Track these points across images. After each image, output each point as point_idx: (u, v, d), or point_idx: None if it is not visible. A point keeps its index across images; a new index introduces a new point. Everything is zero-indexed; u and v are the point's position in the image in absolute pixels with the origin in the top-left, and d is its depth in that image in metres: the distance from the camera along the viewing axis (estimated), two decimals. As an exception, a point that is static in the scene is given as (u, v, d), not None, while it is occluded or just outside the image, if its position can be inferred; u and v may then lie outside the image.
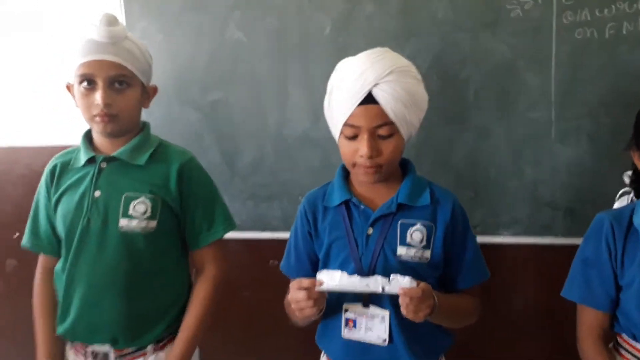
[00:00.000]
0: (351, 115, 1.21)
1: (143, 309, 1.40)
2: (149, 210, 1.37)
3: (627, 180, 1.35)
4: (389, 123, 1.21)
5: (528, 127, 1.80)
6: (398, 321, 1.24)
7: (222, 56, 1.98)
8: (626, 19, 1.69)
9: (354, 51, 1.83)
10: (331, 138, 1.92)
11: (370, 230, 1.28)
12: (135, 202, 1.36)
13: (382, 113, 1.20)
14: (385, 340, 1.26)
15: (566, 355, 1.81)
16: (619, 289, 1.22)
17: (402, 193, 1.28)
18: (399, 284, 1.14)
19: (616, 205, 1.37)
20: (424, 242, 1.26)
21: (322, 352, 1.44)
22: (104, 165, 1.40)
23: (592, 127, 1.76)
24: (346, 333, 1.29)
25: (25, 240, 1.50)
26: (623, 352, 1.24)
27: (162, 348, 1.44)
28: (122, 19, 2.03)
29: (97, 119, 1.34)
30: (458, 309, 1.29)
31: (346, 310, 1.28)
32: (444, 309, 1.19)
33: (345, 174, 1.37)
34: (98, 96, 1.32)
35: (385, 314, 1.25)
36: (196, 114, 2.03)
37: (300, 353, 2.17)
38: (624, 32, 1.70)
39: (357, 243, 1.28)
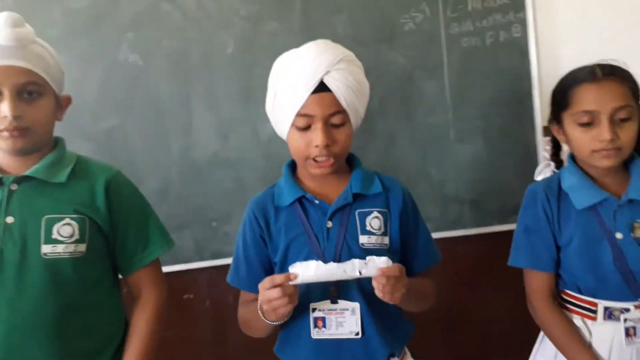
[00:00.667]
0: (304, 105, 1.18)
1: (77, 346, 1.20)
2: (77, 232, 1.18)
3: (546, 155, 1.50)
4: (341, 111, 1.20)
5: (429, 131, 1.93)
6: (368, 312, 1.22)
7: (115, 81, 1.85)
8: (501, 28, 1.91)
9: (259, 69, 1.86)
10: (243, 158, 1.91)
11: (330, 224, 1.25)
12: (59, 224, 1.17)
13: (335, 101, 1.19)
14: (358, 333, 1.22)
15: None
16: (558, 250, 1.34)
17: (355, 183, 1.28)
18: (376, 265, 1.11)
19: (539, 178, 1.50)
20: (382, 229, 1.26)
21: None
22: (14, 187, 1.18)
23: (485, 126, 1.95)
24: (316, 333, 1.23)
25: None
26: (569, 306, 1.34)
27: None
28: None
29: (5, 134, 1.14)
30: (423, 291, 1.30)
31: (314, 310, 1.23)
32: (412, 291, 1.19)
33: (292, 172, 1.33)
34: (5, 107, 1.12)
35: (356, 306, 1.22)
36: (88, 145, 1.84)
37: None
38: (501, 39, 1.92)
39: (318, 238, 1.24)
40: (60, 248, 1.16)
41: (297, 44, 1.85)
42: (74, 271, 1.18)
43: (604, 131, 1.21)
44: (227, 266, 1.93)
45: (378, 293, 1.12)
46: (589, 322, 1.30)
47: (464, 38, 1.91)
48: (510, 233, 1.93)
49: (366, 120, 1.51)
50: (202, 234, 1.93)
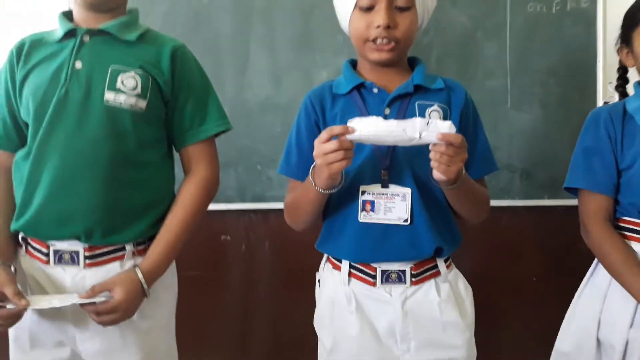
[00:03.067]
0: None
1: (125, 199, 1.20)
2: (139, 86, 1.19)
3: (611, 89, 1.45)
4: None
5: (486, 94, 1.89)
6: (419, 200, 1.18)
7: (178, 14, 1.88)
8: (569, -3, 1.88)
9: (318, 15, 1.87)
10: (294, 103, 1.90)
11: (388, 111, 1.21)
12: (124, 75, 1.18)
13: None
14: (407, 220, 1.18)
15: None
16: (618, 174, 1.28)
17: (417, 75, 1.25)
18: (438, 128, 1.04)
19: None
20: None
21: (324, 260, 1.33)
22: (86, 38, 1.20)
23: (543, 95, 1.89)
24: (363, 217, 1.19)
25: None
26: (628, 233, 1.28)
27: (141, 253, 1.22)
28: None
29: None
30: (478, 193, 1.23)
31: (363, 192, 1.19)
32: (468, 186, 1.14)
33: (352, 66, 1.31)
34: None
35: (407, 191, 1.18)
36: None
37: (261, 334, 2.02)
38: (568, 8, 1.87)
39: None
40: (122, 98, 1.18)
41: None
42: (132, 125, 1.19)
43: None
44: (268, 211, 1.96)
45: (433, 164, 1.07)
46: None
47: (529, 3, 1.87)
48: (560, 208, 1.89)
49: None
50: (245, 176, 1.92)
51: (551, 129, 1.89)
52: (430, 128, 1.05)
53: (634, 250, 1.25)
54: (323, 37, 1.90)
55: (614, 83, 1.41)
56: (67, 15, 1.26)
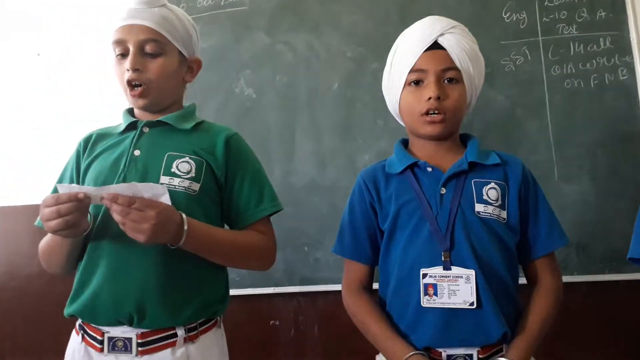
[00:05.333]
0: (418, 60, 1.23)
1: (177, 279, 1.21)
2: (194, 170, 1.25)
3: None
4: (454, 68, 1.23)
5: (533, 169, 1.84)
6: (484, 282, 1.15)
7: (231, 109, 2.06)
8: (607, 71, 1.90)
9: (360, 104, 1.97)
10: (339, 185, 1.95)
11: (444, 190, 1.22)
12: (179, 160, 1.25)
13: (449, 58, 1.23)
14: (473, 303, 1.14)
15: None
16: None
17: (471, 152, 1.26)
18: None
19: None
20: (499, 201, 1.22)
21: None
22: (146, 130, 1.31)
23: (591, 166, 1.86)
24: (426, 302, 1.16)
25: (38, 219, 1.28)
26: None
27: (192, 339, 1.22)
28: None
29: (129, 89, 1.28)
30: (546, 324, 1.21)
31: (425, 276, 1.17)
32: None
33: (404, 146, 1.35)
34: (127, 62, 1.26)
35: (471, 273, 1.15)
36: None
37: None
38: (607, 82, 1.90)
39: (430, 204, 1.21)
40: (176, 181, 1.24)
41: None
42: (185, 207, 1.21)
43: None
44: (316, 293, 1.95)
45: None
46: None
47: (566, 80, 1.91)
48: (623, 282, 1.78)
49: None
50: (293, 258, 1.95)
51: (603, 200, 1.84)
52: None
53: None
54: (364, 124, 2.00)
55: None
56: (130, 111, 1.39)
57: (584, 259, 1.83)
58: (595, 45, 1.92)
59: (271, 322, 1.97)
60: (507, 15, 1.97)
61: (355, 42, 2.05)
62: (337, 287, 1.41)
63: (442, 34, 1.23)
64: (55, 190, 1.26)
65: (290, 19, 2.10)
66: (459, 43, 1.23)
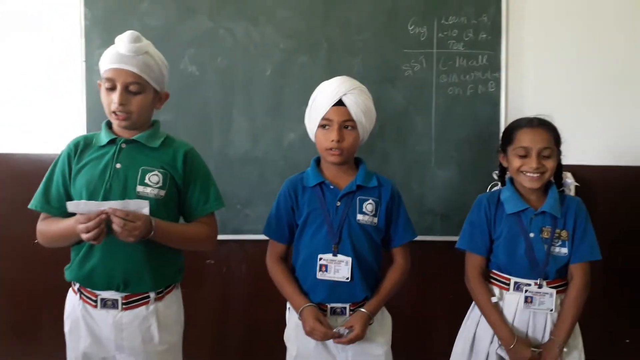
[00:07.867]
0: (327, 112, 1.73)
1: (150, 260, 1.68)
2: (161, 181, 1.69)
3: (495, 176, 2.01)
4: (351, 120, 1.74)
5: (416, 156, 2.46)
6: (356, 265, 1.76)
7: (175, 85, 2.31)
8: (480, 83, 2.45)
9: (289, 90, 2.37)
10: (267, 158, 2.41)
11: (339, 204, 1.78)
12: (150, 173, 1.67)
13: (348, 113, 1.74)
14: (348, 278, 1.76)
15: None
16: (491, 241, 1.86)
17: (359, 178, 1.80)
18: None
19: (490, 192, 2.04)
20: (374, 212, 1.79)
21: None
22: (124, 145, 1.71)
23: (458, 157, 2.47)
24: (320, 275, 1.77)
25: (34, 203, 1.70)
26: (493, 280, 1.88)
27: (160, 299, 1.73)
28: (82, 45, 2.34)
29: (114, 115, 1.65)
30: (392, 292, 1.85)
31: (320, 259, 1.76)
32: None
33: (317, 164, 1.85)
34: (115, 97, 1.63)
35: (349, 260, 1.76)
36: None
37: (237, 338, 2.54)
38: (479, 92, 2.46)
39: (329, 213, 1.77)
40: (148, 190, 1.67)
41: (321, 76, 2.39)
42: (155, 208, 1.64)
43: (532, 161, 1.74)
44: (244, 241, 2.47)
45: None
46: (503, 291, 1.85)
47: (450, 87, 2.44)
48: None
49: (369, 141, 2.05)
50: (227, 214, 2.40)
51: (464, 183, 2.47)
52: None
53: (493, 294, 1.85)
54: (291, 107, 2.42)
55: (497, 174, 1.99)
56: (108, 124, 1.74)
57: (446, 225, 2.49)
58: (475, 61, 2.44)
59: (207, 261, 2.49)
60: (412, 27, 2.43)
61: (286, 35, 2.41)
62: (261, 237, 1.95)
63: (345, 94, 1.73)
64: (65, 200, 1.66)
65: (231, 7, 2.40)
66: (357, 101, 1.74)
